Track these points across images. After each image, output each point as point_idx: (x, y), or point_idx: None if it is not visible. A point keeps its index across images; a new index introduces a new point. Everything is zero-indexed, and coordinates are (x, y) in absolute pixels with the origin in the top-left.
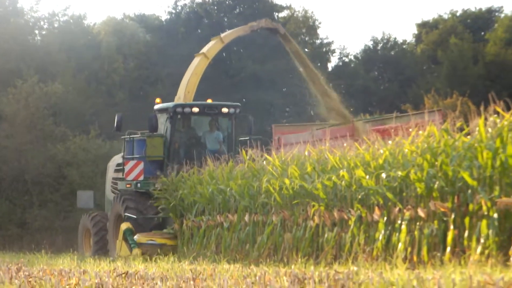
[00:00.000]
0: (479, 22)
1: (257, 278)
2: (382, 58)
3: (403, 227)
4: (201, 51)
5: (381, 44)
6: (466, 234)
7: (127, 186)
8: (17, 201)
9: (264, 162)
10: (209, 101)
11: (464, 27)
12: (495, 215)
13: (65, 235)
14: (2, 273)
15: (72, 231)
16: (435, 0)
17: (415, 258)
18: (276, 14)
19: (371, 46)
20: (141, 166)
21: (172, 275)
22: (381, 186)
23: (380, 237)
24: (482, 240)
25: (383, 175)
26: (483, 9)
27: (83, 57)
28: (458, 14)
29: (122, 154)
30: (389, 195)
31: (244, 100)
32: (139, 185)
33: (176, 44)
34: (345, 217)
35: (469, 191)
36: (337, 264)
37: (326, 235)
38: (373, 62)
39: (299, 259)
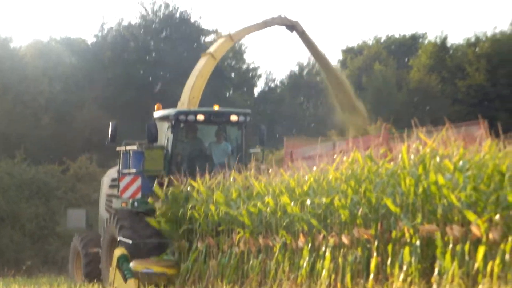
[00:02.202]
0: (403, 49)
1: None
2: (308, 83)
3: (327, 254)
4: (208, 51)
5: (307, 70)
6: (389, 261)
7: (123, 204)
8: None
9: (189, 188)
10: (216, 107)
11: (388, 53)
12: (418, 242)
13: None
14: None
15: None
16: (360, 26)
17: (339, 285)
18: (203, 37)
19: (297, 71)
20: (138, 182)
21: None
22: (306, 213)
23: (305, 264)
24: (404, 267)
25: (308, 202)
26: (407, 35)
27: (9, 80)
28: (382, 40)
29: (117, 168)
30: (314, 222)
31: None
32: (136, 203)
33: (102, 67)
34: (270, 243)
35: (392, 218)
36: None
37: (251, 262)
38: (299, 88)
39: (224, 286)
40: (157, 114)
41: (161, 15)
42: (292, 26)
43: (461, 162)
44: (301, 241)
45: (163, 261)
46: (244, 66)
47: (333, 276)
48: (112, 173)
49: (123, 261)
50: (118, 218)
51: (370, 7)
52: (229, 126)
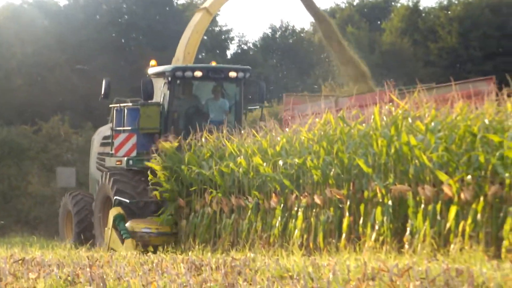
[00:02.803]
0: (375, 12)
1: (154, 265)
2: (281, 46)
3: (300, 214)
4: (203, 6)
5: (280, 32)
6: (361, 221)
7: (117, 163)
8: None
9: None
10: (213, 63)
11: (361, 17)
12: (390, 202)
13: None
14: None
15: None
16: None
17: (311, 244)
18: (175, 0)
19: (270, 34)
20: (133, 139)
21: (69, 262)
22: (278, 173)
23: (277, 224)
24: (376, 227)
25: (280, 163)
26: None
27: None
28: (355, 3)
29: (110, 125)
30: (286, 182)
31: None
32: (131, 162)
33: (74, 30)
34: (243, 204)
35: (364, 178)
36: (234, 250)
37: (223, 222)
38: (271, 50)
39: (197, 246)
40: (152, 70)
41: None
42: None
43: (432, 123)
44: (273, 201)
45: (161, 221)
46: (217, 29)
47: (305, 236)
48: (103, 131)
49: (119, 220)
50: (112, 177)
51: None
52: (227, 82)
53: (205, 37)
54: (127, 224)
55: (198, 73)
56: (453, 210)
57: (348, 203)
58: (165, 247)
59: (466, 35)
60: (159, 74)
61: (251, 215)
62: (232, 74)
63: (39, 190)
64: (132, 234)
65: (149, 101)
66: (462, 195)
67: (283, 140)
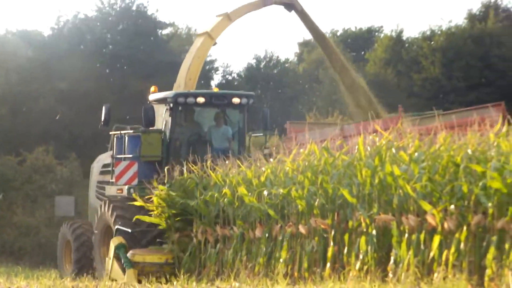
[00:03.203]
0: (359, 42)
1: None
2: (265, 76)
3: (285, 243)
4: (205, 30)
5: (264, 63)
6: (345, 250)
7: (118, 191)
8: None
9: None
10: (215, 90)
11: (345, 47)
12: (374, 232)
13: None
14: None
15: None
16: (316, 20)
17: (296, 274)
18: (160, 31)
19: (254, 64)
20: (135, 167)
21: None
22: (263, 204)
23: (262, 254)
24: (361, 256)
25: (265, 193)
26: (363, 28)
27: None
28: (338, 33)
29: (109, 153)
30: (271, 212)
31: (127, 117)
32: (132, 190)
33: (59, 59)
34: (228, 233)
35: (349, 208)
36: (219, 280)
37: (208, 252)
38: (256, 80)
39: (182, 276)
40: (153, 96)
41: (118, 8)
42: (291, 4)
43: (416, 154)
44: (258, 231)
45: (163, 250)
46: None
47: (290, 265)
48: (102, 158)
49: (121, 250)
50: (113, 206)
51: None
52: (231, 109)
53: None
54: (129, 254)
55: (201, 99)
56: (436, 239)
57: (333, 232)
58: (168, 276)
59: (449, 65)
60: (160, 101)
61: (236, 244)
62: (236, 100)
63: (24, 220)
64: (134, 264)
65: (151, 128)
66: (445, 225)
67: (268, 171)
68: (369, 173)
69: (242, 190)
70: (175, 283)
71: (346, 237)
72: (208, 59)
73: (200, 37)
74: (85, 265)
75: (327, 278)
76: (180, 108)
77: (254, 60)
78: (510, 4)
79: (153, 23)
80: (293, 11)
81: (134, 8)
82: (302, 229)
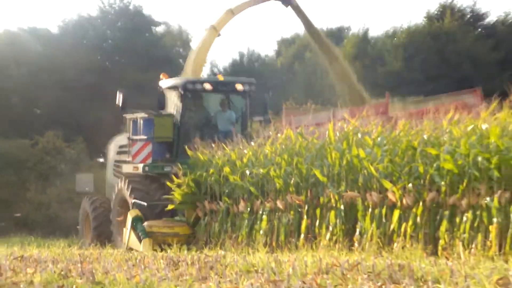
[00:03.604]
0: (330, 39)
1: (137, 261)
2: (248, 70)
3: (264, 217)
4: (211, 24)
5: (247, 58)
6: (317, 223)
7: (134, 169)
8: None
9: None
10: (220, 77)
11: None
12: (342, 207)
13: None
14: None
15: None
16: (292, 20)
17: (274, 243)
18: (154, 28)
19: (238, 59)
20: (149, 147)
21: (62, 258)
22: (246, 182)
23: (244, 226)
24: (330, 228)
25: (247, 172)
26: (334, 28)
27: None
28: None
29: (125, 134)
30: (252, 189)
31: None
32: (147, 168)
33: (64, 54)
34: (215, 208)
35: (320, 186)
36: (207, 249)
37: (198, 224)
38: (239, 74)
39: (175, 245)
40: (164, 83)
41: (116, 7)
42: (287, 0)
43: (379, 138)
44: (241, 206)
45: (175, 221)
46: None
47: (269, 236)
48: (119, 140)
49: (137, 222)
50: (130, 182)
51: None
52: (235, 95)
53: (180, 60)
54: (145, 225)
55: (208, 86)
56: (396, 213)
57: (306, 207)
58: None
59: (409, 59)
60: (171, 87)
61: (222, 218)
62: (239, 87)
63: (36, 197)
64: (149, 234)
65: (163, 112)
66: (404, 201)
67: (250, 153)
68: (338, 156)
69: (227, 170)
70: (168, 251)
71: (317, 211)
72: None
73: (206, 30)
74: (102, 234)
75: (301, 247)
76: (189, 94)
77: (238, 56)
78: (464, 4)
79: (148, 21)
80: (289, 6)
81: (131, 7)
82: (279, 204)
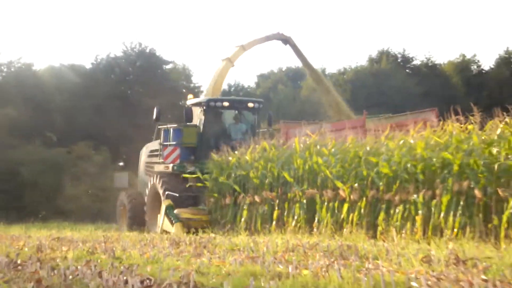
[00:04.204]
0: (297, 74)
1: (148, 241)
2: None
3: (245, 208)
4: (226, 56)
5: (233, 88)
6: (285, 213)
7: (165, 168)
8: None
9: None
10: (232, 97)
11: (287, 78)
12: (304, 201)
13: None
14: None
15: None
16: (269, 59)
17: (252, 228)
18: (164, 66)
19: (227, 89)
20: (177, 151)
21: (90, 239)
22: (231, 181)
23: (230, 215)
24: (295, 217)
25: (233, 174)
26: (299, 66)
27: (31, 93)
28: (283, 69)
29: (155, 141)
30: (236, 187)
31: (141, 124)
32: (175, 167)
33: (96, 84)
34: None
35: (288, 185)
36: (201, 232)
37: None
38: None
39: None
40: (190, 101)
41: (136, 50)
42: (286, 40)
43: (333, 149)
44: (227, 199)
45: (199, 210)
46: (192, 85)
47: (248, 223)
48: (149, 146)
49: (170, 209)
50: (161, 178)
51: (273, 47)
52: (246, 111)
53: (183, 90)
54: (175, 212)
55: (226, 104)
56: (345, 206)
57: (277, 201)
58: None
59: (355, 92)
60: (196, 104)
61: (212, 208)
62: (250, 104)
63: (70, 192)
64: (180, 219)
65: (189, 123)
66: (351, 197)
67: (234, 159)
68: (302, 162)
69: (216, 172)
70: (171, 233)
71: (286, 204)
72: (197, 84)
73: (223, 61)
74: (136, 221)
75: (273, 232)
76: (210, 110)
77: (227, 86)
78: (396, 51)
79: (160, 60)
80: (287, 45)
81: (147, 50)
82: (257, 199)
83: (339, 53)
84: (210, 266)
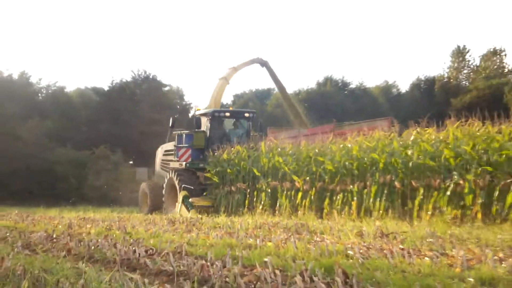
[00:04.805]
0: (264, 95)
1: (151, 220)
2: None
3: (224, 195)
4: (222, 76)
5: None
6: (254, 199)
7: (180, 165)
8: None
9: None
10: (231, 108)
11: (256, 97)
12: (269, 190)
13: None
14: (17, 217)
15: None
16: (243, 81)
17: (230, 211)
18: (163, 88)
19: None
20: (190, 152)
21: (108, 218)
22: (213, 176)
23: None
24: (262, 203)
25: (213, 171)
26: (265, 88)
27: (63, 110)
28: (253, 90)
29: (169, 143)
30: (216, 179)
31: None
32: (188, 164)
33: (112, 102)
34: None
35: (256, 178)
36: (190, 214)
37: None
38: None
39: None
40: (198, 112)
41: (142, 76)
42: (264, 63)
43: (290, 151)
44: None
45: (207, 197)
46: (184, 103)
47: (227, 207)
48: (164, 146)
49: (186, 198)
50: (178, 174)
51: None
52: (242, 119)
53: (178, 107)
54: (190, 200)
55: (228, 114)
56: (300, 194)
57: (248, 190)
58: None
59: (308, 108)
60: (203, 114)
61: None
62: (246, 114)
63: (93, 184)
64: (194, 206)
65: (198, 130)
66: (304, 187)
67: (221, 157)
68: (266, 161)
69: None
70: (169, 214)
71: (255, 193)
72: (188, 102)
73: (220, 80)
74: (156, 207)
75: (245, 214)
76: (215, 119)
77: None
78: (337, 77)
79: (160, 83)
80: (264, 67)
81: (150, 76)
82: (233, 188)
83: (294, 77)
84: (198, 240)
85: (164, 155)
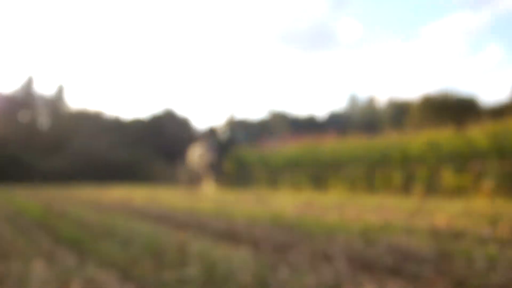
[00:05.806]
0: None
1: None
2: None
3: None
4: None
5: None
6: None
7: (207, 161)
8: None
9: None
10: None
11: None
12: None
13: None
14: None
15: None
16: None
17: None
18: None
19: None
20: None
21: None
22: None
23: None
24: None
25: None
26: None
27: (115, 135)
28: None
29: (197, 145)
30: None
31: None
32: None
33: (138, 130)
34: None
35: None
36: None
37: None
38: None
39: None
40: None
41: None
42: None
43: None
44: None
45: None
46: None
47: None
48: (193, 149)
49: (211, 183)
50: (205, 167)
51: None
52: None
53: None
54: (215, 184)
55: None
56: None
57: None
58: None
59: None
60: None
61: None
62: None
63: None
64: (217, 187)
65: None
66: None
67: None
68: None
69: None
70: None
71: None
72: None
73: None
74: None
75: None
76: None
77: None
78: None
79: (179, 118)
80: None
81: (173, 113)
82: None
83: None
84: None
85: (194, 154)
